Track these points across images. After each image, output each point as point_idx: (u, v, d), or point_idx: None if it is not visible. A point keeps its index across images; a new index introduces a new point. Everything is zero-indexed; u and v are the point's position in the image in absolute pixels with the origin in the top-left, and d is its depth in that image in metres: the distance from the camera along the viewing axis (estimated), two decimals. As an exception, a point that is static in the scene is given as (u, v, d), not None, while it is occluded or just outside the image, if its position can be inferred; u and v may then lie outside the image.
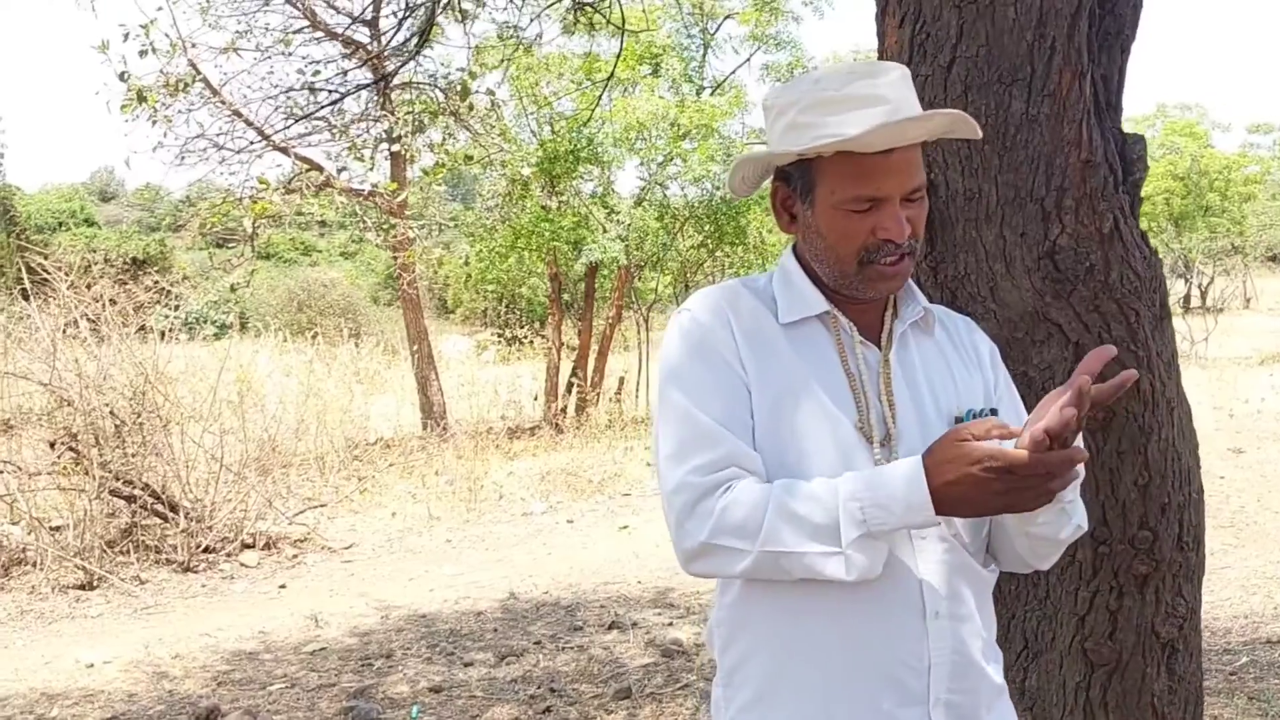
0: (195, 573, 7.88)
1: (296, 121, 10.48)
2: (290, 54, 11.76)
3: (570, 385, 15.08)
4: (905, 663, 1.64)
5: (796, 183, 1.71)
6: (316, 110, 10.09)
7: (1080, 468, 1.55)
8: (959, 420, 1.72)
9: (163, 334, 9.42)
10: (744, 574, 1.63)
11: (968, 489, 1.48)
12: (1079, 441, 1.50)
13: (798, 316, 1.72)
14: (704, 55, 15.07)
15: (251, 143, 11.64)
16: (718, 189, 14.27)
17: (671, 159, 14.19)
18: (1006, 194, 2.31)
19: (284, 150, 11.82)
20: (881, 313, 1.77)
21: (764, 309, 1.74)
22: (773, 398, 1.67)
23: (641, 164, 14.57)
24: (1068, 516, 1.69)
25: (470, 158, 12.89)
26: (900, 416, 1.69)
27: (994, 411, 1.75)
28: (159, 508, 8.19)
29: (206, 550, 8.11)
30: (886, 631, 1.65)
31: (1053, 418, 1.42)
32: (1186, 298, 29.89)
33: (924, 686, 1.65)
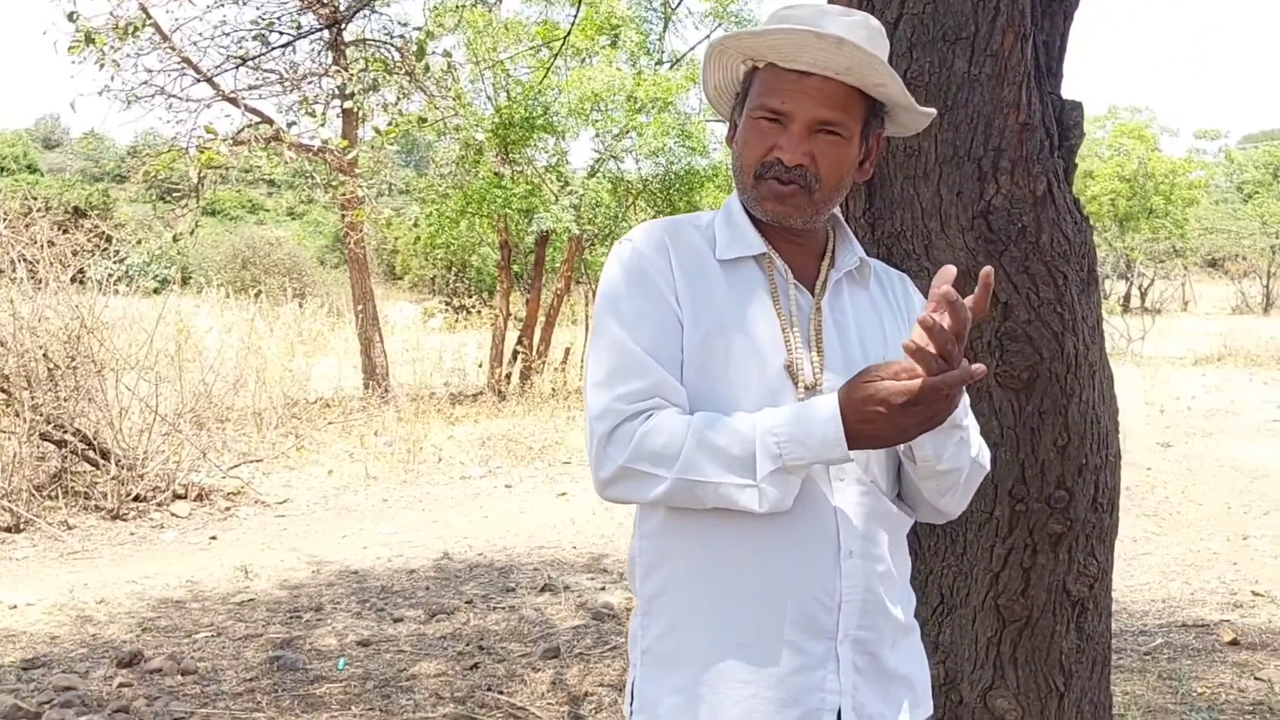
0: (124, 520, 7.79)
1: (243, 64, 10.30)
2: (245, 2, 11.58)
3: (515, 354, 15.04)
4: (817, 599, 1.68)
5: (743, 95, 1.78)
6: (265, 52, 9.92)
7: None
8: None
9: (100, 283, 9.26)
10: (658, 500, 1.66)
11: (878, 425, 1.54)
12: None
13: (735, 254, 1.75)
14: (664, 29, 15.04)
15: (196, 81, 11.42)
16: (672, 163, 14.26)
17: (627, 132, 14.15)
18: (945, 152, 2.33)
19: (233, 101, 11.64)
20: (818, 260, 1.80)
21: (704, 245, 1.77)
22: (704, 334, 1.70)
23: (596, 135, 14.53)
24: (967, 445, 1.73)
25: (424, 120, 12.76)
26: (828, 362, 1.72)
27: None
28: (90, 454, 8.09)
29: (137, 499, 8.03)
30: (801, 568, 1.68)
31: (926, 338, 1.47)
32: (1126, 297, 30.37)
33: (834, 622, 1.68)
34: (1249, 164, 49.82)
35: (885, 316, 1.81)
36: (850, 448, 1.57)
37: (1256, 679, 4.78)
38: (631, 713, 1.79)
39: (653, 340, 1.68)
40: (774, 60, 1.70)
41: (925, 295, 1.87)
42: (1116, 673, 4.85)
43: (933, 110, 1.79)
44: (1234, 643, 5.25)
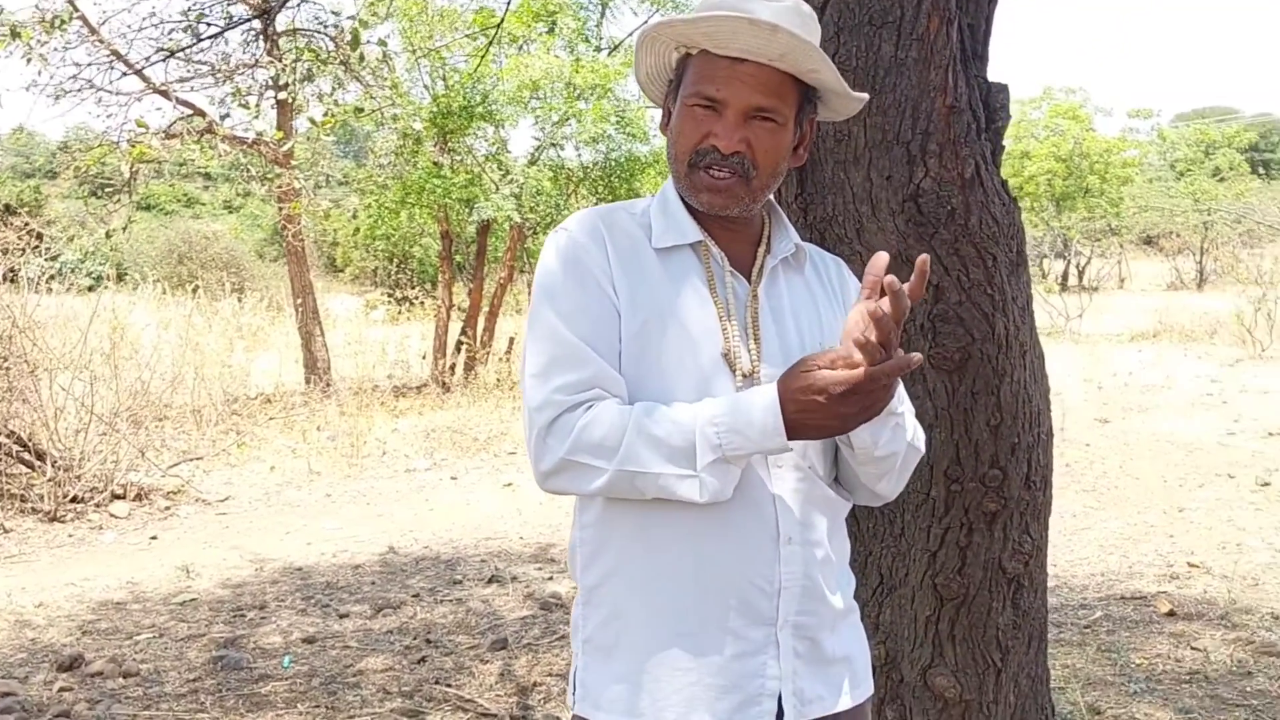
0: (62, 522, 7.66)
1: (172, 56, 10.12)
2: (173, -6, 11.40)
3: (459, 344, 14.95)
4: (756, 585, 1.69)
5: (676, 82, 1.78)
6: (195, 43, 9.76)
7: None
8: None
9: (32, 282, 9.07)
10: (599, 492, 1.66)
11: (817, 415, 1.55)
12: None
13: (671, 243, 1.74)
14: (601, 15, 14.98)
15: (126, 74, 11.20)
16: (612, 150, 14.22)
17: (566, 119, 14.10)
18: (874, 137, 2.34)
19: (164, 94, 11.44)
20: (754, 246, 1.80)
21: (640, 233, 1.76)
22: (641, 322, 1.70)
23: (536, 123, 14.46)
24: (903, 430, 1.74)
25: (361, 110, 12.64)
26: (765, 350, 1.73)
27: None
28: (25, 455, 7.94)
29: (75, 500, 7.89)
30: (741, 555, 1.69)
31: (873, 327, 1.49)
32: (1064, 276, 30.77)
33: (774, 608, 1.70)
34: (1181, 142, 50.76)
35: (821, 302, 1.82)
36: (790, 438, 1.58)
37: (1193, 649, 4.88)
38: (575, 702, 1.79)
39: (590, 331, 1.68)
40: (708, 47, 1.70)
41: (859, 279, 1.88)
42: (1057, 646, 4.93)
43: (865, 95, 1.79)
44: (1170, 614, 5.35)
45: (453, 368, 14.66)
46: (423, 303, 21.90)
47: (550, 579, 6.32)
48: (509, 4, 7.42)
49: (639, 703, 1.71)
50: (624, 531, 1.73)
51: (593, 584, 1.78)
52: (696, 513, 1.67)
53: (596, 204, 15.01)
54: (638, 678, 1.71)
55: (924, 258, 1.50)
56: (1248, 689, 4.42)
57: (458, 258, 17.03)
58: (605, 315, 1.69)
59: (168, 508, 8.21)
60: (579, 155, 14.75)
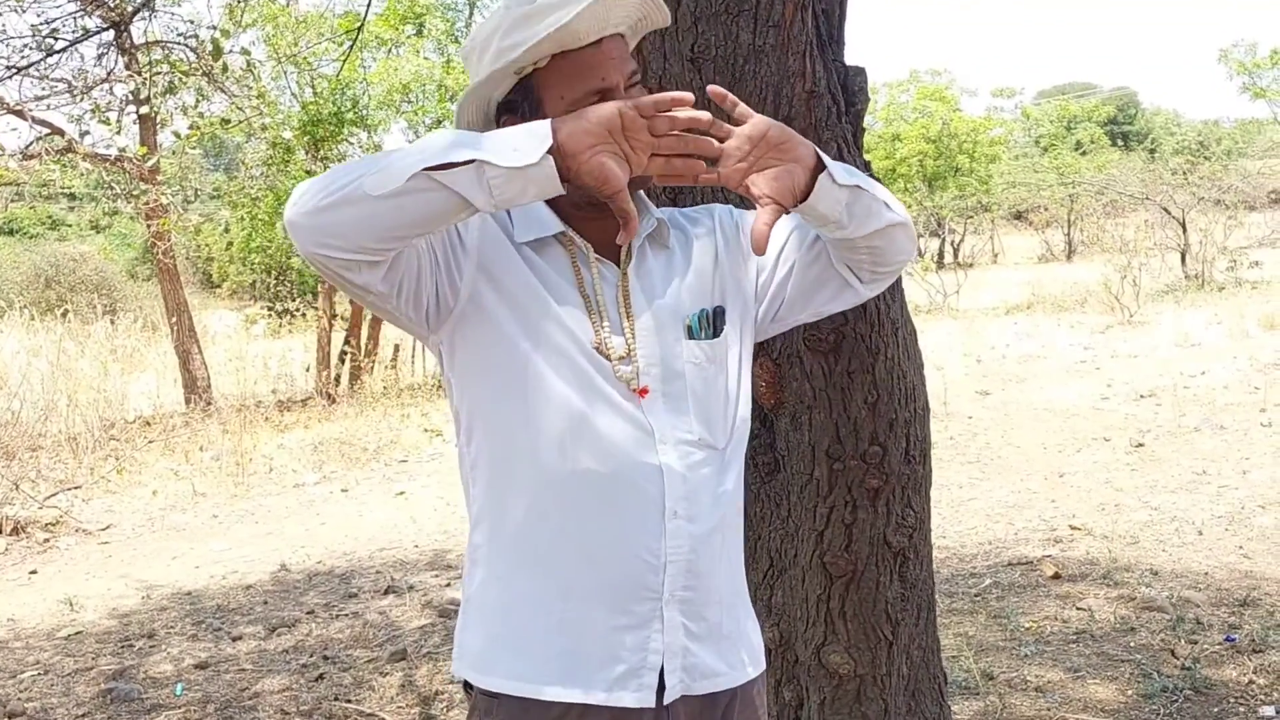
0: (-67, 564, 7.36)
1: (19, 72, 9.75)
2: (24, 10, 10.96)
3: (343, 355, 14.72)
4: (642, 558, 1.68)
5: (522, 107, 1.69)
6: (45, 58, 9.40)
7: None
8: (689, 326, 1.74)
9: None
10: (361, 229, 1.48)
11: (582, 136, 1.46)
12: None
13: (533, 236, 1.71)
14: (470, 14, 14.88)
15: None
16: (486, 151, 14.15)
17: (440, 122, 13.98)
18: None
19: (19, 113, 11.03)
20: (618, 229, 1.78)
21: (498, 229, 1.72)
22: (507, 314, 1.67)
23: (409, 127, 14.32)
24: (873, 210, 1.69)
25: (228, 122, 12.36)
26: (640, 331, 1.71)
27: (720, 310, 1.77)
28: (-112, 497, 7.60)
29: (-55, 539, 7.58)
30: (626, 528, 1.67)
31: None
32: (940, 254, 31.50)
33: (660, 582, 1.69)
34: (1044, 119, 52.40)
35: (689, 268, 1.78)
36: (558, 140, 1.46)
37: (1078, 609, 5.04)
38: (454, 661, 1.77)
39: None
40: (568, 46, 1.63)
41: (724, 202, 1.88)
42: (950, 615, 5.05)
43: None
44: (1056, 576, 5.52)
45: (337, 378, 14.43)
46: (304, 314, 21.49)
47: (448, 585, 6.26)
48: (369, 5, 7.30)
49: (517, 666, 1.69)
50: (512, 495, 1.70)
51: (479, 542, 1.76)
52: (582, 484, 1.66)
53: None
54: (517, 642, 1.70)
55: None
56: (1132, 644, 4.58)
57: (337, 267, 16.72)
58: (444, 242, 1.64)
59: (46, 540, 7.93)
60: (453, 156, 14.63)
